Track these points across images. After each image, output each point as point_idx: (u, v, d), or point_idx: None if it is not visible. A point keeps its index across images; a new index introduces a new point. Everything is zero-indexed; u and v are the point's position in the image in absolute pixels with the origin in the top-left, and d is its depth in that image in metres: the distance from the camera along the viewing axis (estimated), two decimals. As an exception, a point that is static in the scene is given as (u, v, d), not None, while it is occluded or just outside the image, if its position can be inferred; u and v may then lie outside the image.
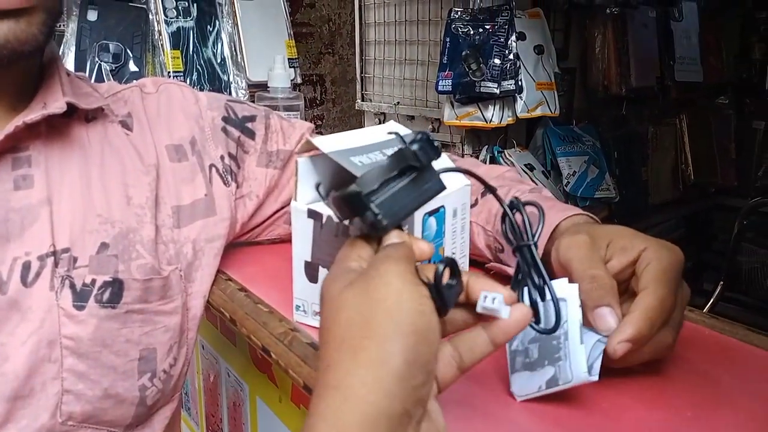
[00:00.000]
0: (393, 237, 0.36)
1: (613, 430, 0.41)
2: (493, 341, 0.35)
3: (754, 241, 1.99)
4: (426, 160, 0.36)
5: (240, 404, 0.80)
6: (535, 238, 0.42)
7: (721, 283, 1.89)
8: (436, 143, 0.37)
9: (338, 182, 0.55)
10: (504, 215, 0.43)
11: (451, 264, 0.35)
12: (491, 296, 0.34)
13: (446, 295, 0.34)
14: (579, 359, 0.40)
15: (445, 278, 0.34)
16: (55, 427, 0.52)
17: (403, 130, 0.58)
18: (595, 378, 0.40)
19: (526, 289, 0.41)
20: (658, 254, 0.45)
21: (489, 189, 0.42)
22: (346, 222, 0.38)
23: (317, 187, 0.42)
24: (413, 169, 0.36)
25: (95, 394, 0.53)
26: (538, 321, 0.40)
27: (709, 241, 2.37)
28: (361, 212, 0.35)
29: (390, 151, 0.52)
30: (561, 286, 0.42)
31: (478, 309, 0.35)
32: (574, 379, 0.40)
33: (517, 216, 0.44)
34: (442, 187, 0.37)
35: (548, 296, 0.40)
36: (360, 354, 0.30)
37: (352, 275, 0.34)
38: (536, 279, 0.40)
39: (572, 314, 0.41)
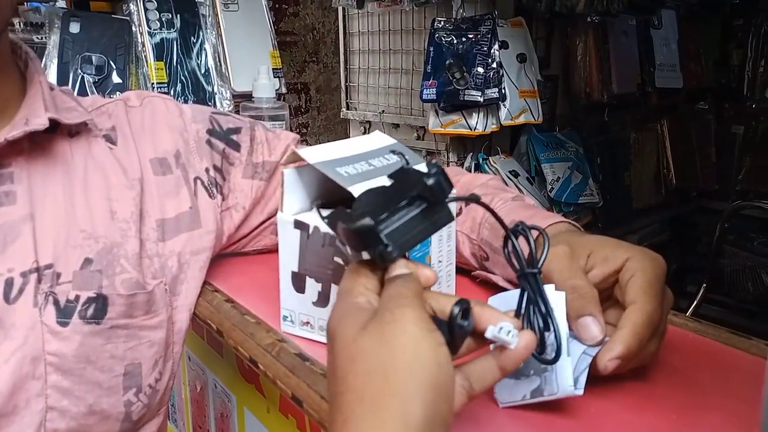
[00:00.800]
0: (400, 267, 0.36)
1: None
2: (502, 369, 0.36)
3: (735, 243, 2.02)
4: (442, 195, 0.35)
5: (228, 415, 0.79)
6: (539, 264, 0.41)
7: (704, 285, 1.92)
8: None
9: (325, 193, 0.55)
10: (505, 240, 0.42)
11: (465, 306, 0.34)
12: (506, 328, 0.34)
13: (458, 337, 0.34)
14: (566, 372, 0.41)
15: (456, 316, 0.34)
16: None
17: (388, 140, 0.59)
18: (581, 392, 0.41)
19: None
20: (642, 265, 0.45)
21: (499, 221, 0.41)
22: (349, 251, 0.37)
23: (315, 204, 0.41)
24: (423, 198, 0.35)
25: (80, 410, 0.53)
26: (541, 351, 0.40)
27: (691, 244, 2.40)
28: (372, 245, 0.34)
29: (377, 162, 0.53)
30: (548, 294, 0.42)
31: (489, 335, 0.35)
32: (559, 391, 0.41)
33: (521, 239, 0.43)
34: (452, 219, 0.37)
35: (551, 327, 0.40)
36: (382, 412, 0.30)
37: (364, 315, 0.34)
38: (542, 307, 0.40)
39: (560, 325, 0.41)
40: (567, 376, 0.40)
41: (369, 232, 0.34)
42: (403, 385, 0.30)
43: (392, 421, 0.30)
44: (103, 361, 0.54)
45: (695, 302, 1.90)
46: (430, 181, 0.34)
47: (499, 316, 0.35)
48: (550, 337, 0.39)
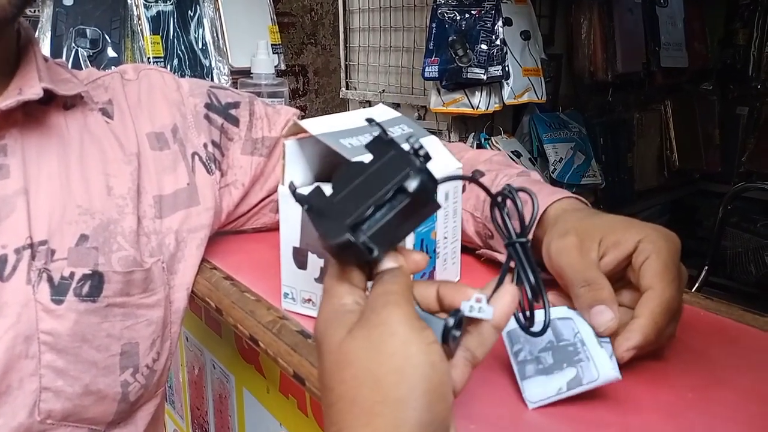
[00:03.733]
0: (388, 260, 0.34)
1: (616, 415, 0.40)
2: (497, 327, 0.34)
3: (737, 225, 2.01)
4: (426, 197, 0.32)
5: (226, 396, 0.78)
6: (528, 233, 0.38)
7: (706, 268, 1.91)
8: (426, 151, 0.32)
9: (327, 166, 0.53)
10: (492, 205, 0.39)
11: (460, 317, 0.33)
12: (472, 305, 0.33)
13: (452, 347, 0.33)
14: (604, 359, 0.39)
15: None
16: (34, 425, 0.50)
17: (392, 113, 0.57)
18: (620, 377, 0.39)
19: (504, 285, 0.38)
20: (657, 246, 0.43)
21: (483, 188, 0.38)
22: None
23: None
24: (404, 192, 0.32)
25: (75, 390, 0.51)
26: (531, 324, 0.38)
27: (693, 226, 2.39)
28: (354, 255, 0.32)
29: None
30: (562, 311, 0.42)
31: (465, 312, 0.33)
32: (600, 377, 0.39)
33: (511, 203, 0.40)
34: (438, 207, 0.34)
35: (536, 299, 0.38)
36: (374, 421, 0.28)
37: (350, 317, 0.32)
38: (531, 279, 0.37)
39: (582, 326, 0.41)
40: (605, 362, 0.39)
41: (350, 246, 0.31)
42: (394, 391, 0.29)
43: (384, 429, 0.28)
44: (99, 340, 0.52)
45: (696, 285, 1.89)
46: (413, 186, 0.31)
47: (464, 292, 0.34)
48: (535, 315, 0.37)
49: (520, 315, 0.38)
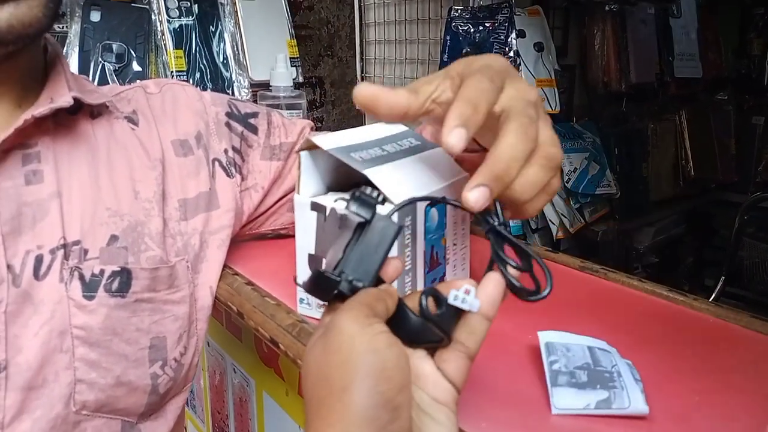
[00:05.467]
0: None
1: (620, 417, 0.41)
2: (486, 316, 0.36)
3: (754, 236, 2.00)
4: (368, 213, 0.36)
5: (246, 400, 0.80)
6: (501, 218, 0.38)
7: (723, 278, 1.89)
8: (370, 192, 0.37)
9: (339, 177, 0.56)
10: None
11: (433, 293, 0.35)
12: (457, 295, 0.35)
13: (443, 325, 0.34)
14: (638, 392, 0.41)
15: (433, 308, 0.35)
16: (70, 416, 0.52)
17: (401, 127, 0.59)
18: (648, 411, 0.41)
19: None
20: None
21: (456, 207, 0.39)
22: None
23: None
24: (362, 225, 0.36)
25: (108, 382, 0.54)
26: (537, 290, 0.36)
27: (709, 237, 2.37)
28: (346, 293, 0.35)
29: (389, 147, 0.53)
30: (603, 344, 0.45)
31: (451, 302, 0.35)
32: (631, 407, 0.40)
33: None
34: (395, 226, 0.37)
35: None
36: (322, 411, 0.31)
37: (319, 331, 0.34)
38: (517, 248, 0.36)
39: (620, 361, 0.43)
40: (639, 396, 0.41)
41: (341, 296, 0.35)
42: (338, 382, 0.30)
43: (332, 418, 0.30)
44: (129, 334, 0.55)
45: (713, 295, 1.88)
46: (353, 208, 0.36)
47: (454, 284, 0.35)
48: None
49: (514, 281, 0.37)
